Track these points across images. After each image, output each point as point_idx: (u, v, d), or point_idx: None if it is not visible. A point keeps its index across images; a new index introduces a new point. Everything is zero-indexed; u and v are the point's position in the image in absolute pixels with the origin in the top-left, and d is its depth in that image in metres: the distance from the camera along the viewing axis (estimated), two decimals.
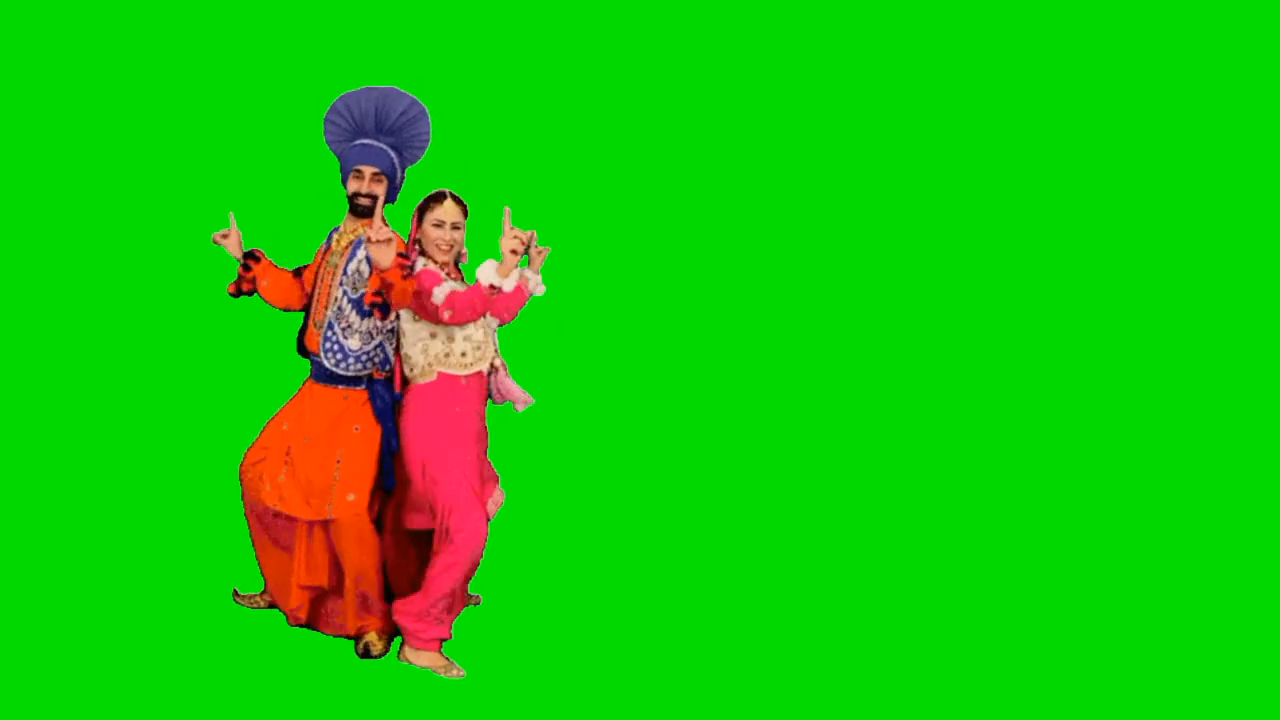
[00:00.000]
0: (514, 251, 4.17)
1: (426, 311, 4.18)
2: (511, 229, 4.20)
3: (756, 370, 6.81)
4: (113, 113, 6.41)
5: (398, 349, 4.36)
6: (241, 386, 5.99)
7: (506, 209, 4.21)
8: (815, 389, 6.80)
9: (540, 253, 4.50)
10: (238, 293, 4.53)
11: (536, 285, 4.48)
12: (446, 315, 4.15)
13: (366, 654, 4.39)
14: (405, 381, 4.34)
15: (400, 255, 4.09)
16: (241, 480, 4.50)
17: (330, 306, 4.37)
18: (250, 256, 4.54)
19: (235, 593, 4.77)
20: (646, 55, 6.75)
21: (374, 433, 4.35)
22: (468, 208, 4.30)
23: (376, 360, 4.39)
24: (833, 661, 4.41)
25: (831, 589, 5.05)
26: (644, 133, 6.72)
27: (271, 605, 4.71)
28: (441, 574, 4.23)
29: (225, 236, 4.53)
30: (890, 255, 6.92)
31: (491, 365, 4.38)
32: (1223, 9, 6.67)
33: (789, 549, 5.44)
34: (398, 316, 4.33)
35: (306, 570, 4.42)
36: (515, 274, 4.28)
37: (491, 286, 4.18)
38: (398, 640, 4.44)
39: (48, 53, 6.33)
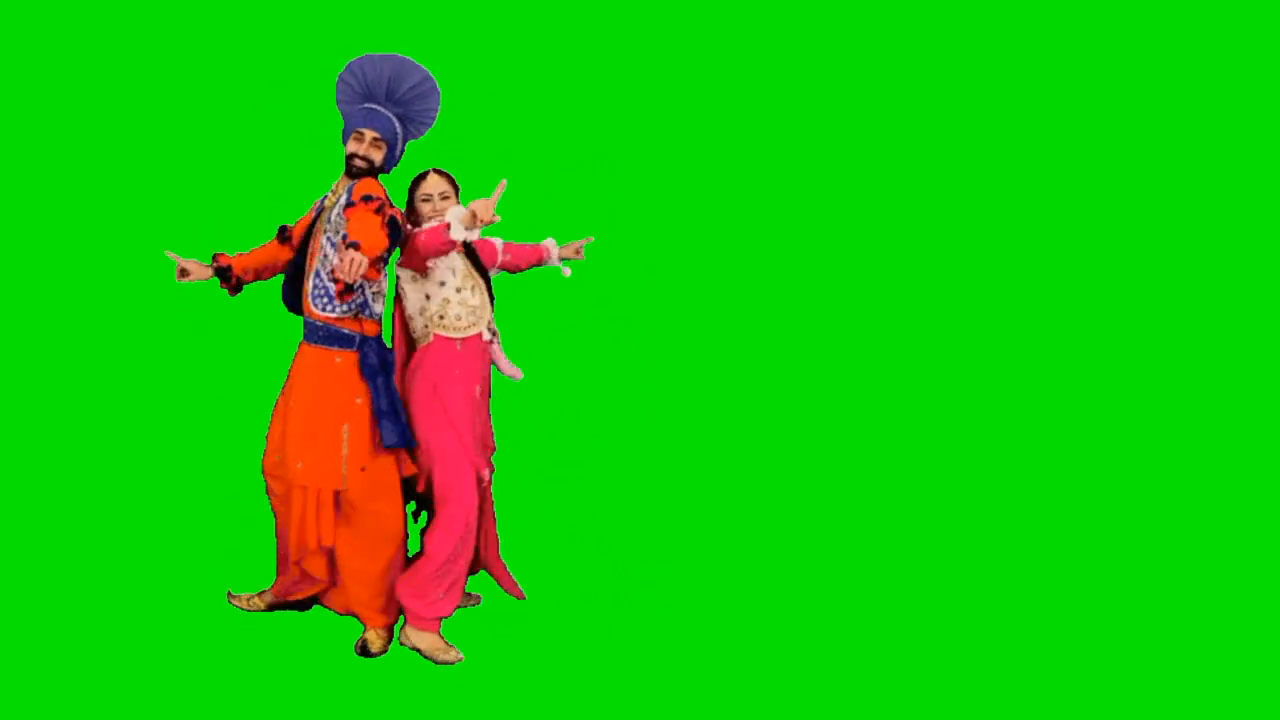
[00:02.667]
0: (476, 216, 4.04)
1: (421, 250, 4.20)
2: (492, 204, 4.06)
3: (757, 365, 6.81)
4: (110, 97, 6.38)
5: (401, 312, 4.44)
6: (231, 384, 6.00)
7: (503, 182, 4.11)
8: (815, 385, 6.80)
9: (579, 252, 4.77)
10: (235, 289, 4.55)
11: (556, 260, 4.72)
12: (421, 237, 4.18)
13: (365, 652, 4.37)
14: (411, 346, 4.42)
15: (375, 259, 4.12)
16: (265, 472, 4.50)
17: (318, 256, 4.38)
18: (221, 271, 4.49)
19: (229, 594, 4.74)
20: (650, 47, 6.75)
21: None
22: (454, 178, 4.40)
23: (358, 303, 4.36)
24: (831, 659, 4.40)
25: (830, 586, 5.05)
26: (647, 126, 6.71)
27: (273, 607, 4.67)
28: (438, 543, 4.32)
29: (185, 274, 4.47)
30: (891, 253, 6.92)
31: (491, 330, 4.45)
32: (1223, 9, 6.67)
33: (788, 546, 5.45)
34: (398, 279, 4.44)
35: (326, 533, 4.40)
36: (464, 225, 4.17)
37: (448, 226, 4.13)
38: (399, 626, 4.46)
39: (44, 46, 6.31)
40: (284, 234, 4.55)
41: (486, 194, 4.12)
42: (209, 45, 6.37)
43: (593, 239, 4.77)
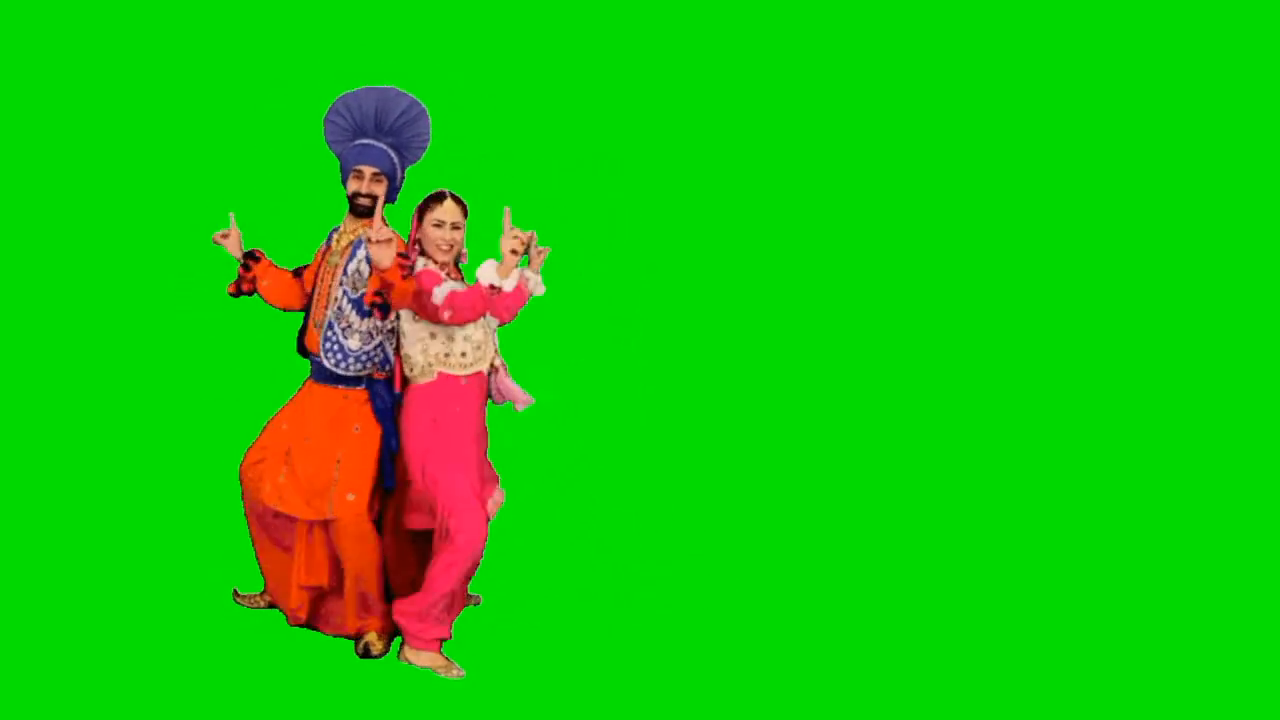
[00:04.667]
0: (514, 251, 4.16)
1: (426, 311, 4.18)
2: (511, 229, 4.20)
3: (758, 369, 6.82)
4: (113, 112, 6.41)
5: (398, 349, 4.36)
6: (241, 387, 6.00)
7: (507, 209, 4.20)
8: (816, 389, 6.80)
9: (540, 253, 4.48)
10: (237, 293, 4.54)
11: (536, 285, 4.48)
12: (446, 315, 4.15)
13: (366, 654, 4.40)
14: (405, 381, 4.34)
15: (400, 255, 4.09)
16: (241, 481, 4.52)
17: (330, 306, 4.38)
18: (250, 256, 4.55)
19: (235, 593, 4.78)
20: (645, 54, 6.75)
21: (374, 433, 4.36)
22: (467, 207, 4.31)
23: (376, 360, 4.39)
24: (833, 661, 4.42)
25: (832, 588, 5.05)
26: (642, 132, 6.72)
27: (271, 605, 4.72)
28: (442, 574, 4.24)
29: (225, 236, 4.55)
30: (889, 255, 6.93)
31: (492, 365, 4.39)
32: (1223, 9, 6.68)
33: (789, 549, 5.45)
34: (398, 316, 4.33)
35: (306, 570, 4.44)
36: (515, 274, 4.27)
37: (491, 286, 4.18)
38: (398, 640, 4.45)
39: (48, 53, 6.34)
40: (299, 274, 4.59)
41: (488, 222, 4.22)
42: (232, 55, 6.41)
43: (549, 249, 4.50)
